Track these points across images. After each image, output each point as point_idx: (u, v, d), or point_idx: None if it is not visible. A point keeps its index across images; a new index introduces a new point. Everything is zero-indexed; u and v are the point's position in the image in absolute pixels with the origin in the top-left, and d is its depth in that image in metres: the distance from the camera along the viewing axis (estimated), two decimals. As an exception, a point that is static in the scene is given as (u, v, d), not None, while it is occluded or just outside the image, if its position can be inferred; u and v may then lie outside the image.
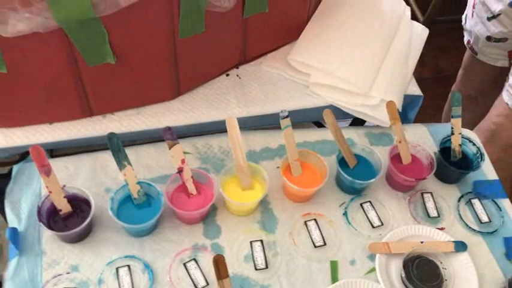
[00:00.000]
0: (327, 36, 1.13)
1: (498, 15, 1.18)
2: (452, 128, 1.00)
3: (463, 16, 1.37)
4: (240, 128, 0.91)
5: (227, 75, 1.13)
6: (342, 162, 0.97)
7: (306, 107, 1.10)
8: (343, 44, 1.12)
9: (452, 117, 1.00)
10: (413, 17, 2.13)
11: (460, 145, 1.01)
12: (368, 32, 1.14)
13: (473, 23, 1.29)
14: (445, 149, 1.02)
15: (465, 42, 1.38)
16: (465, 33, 1.37)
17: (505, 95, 1.21)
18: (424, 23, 2.15)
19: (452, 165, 0.99)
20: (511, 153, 1.28)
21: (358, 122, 1.18)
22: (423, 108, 1.69)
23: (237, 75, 1.13)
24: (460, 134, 1.00)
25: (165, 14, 0.89)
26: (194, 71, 1.06)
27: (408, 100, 1.16)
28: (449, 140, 1.01)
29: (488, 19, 1.22)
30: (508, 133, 1.23)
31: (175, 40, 0.95)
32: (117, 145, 0.87)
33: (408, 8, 1.25)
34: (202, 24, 0.95)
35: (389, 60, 1.12)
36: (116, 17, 0.82)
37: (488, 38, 1.25)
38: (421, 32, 1.25)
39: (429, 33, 1.79)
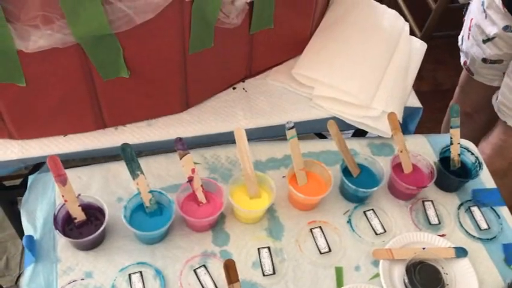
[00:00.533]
0: (330, 50, 1.18)
1: (493, 38, 1.22)
2: (451, 138, 1.04)
3: (460, 37, 1.41)
4: (247, 139, 0.95)
5: (234, 88, 1.18)
6: (346, 171, 1.01)
7: (310, 118, 1.14)
8: (345, 58, 1.16)
9: (451, 127, 1.04)
10: (411, 33, 2.19)
11: (459, 155, 1.05)
12: (369, 47, 1.19)
13: (469, 44, 1.33)
14: (444, 159, 1.06)
15: (462, 63, 1.41)
16: (461, 54, 1.40)
17: (499, 114, 1.26)
18: (422, 39, 2.20)
19: (451, 174, 1.02)
20: None
21: (359, 134, 1.22)
22: (421, 122, 1.74)
23: (244, 89, 1.18)
24: (458, 144, 1.04)
25: (177, 30, 0.93)
26: (202, 85, 1.10)
27: (408, 112, 1.20)
28: (449, 149, 1.05)
29: (484, 42, 1.26)
30: None
31: (185, 55, 0.99)
32: (130, 155, 0.90)
33: (407, 24, 1.30)
34: (211, 40, 1.00)
35: (389, 74, 1.17)
36: (131, 33, 0.87)
37: (484, 60, 1.29)
38: (419, 46, 1.30)
39: (427, 47, 1.84)
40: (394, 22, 1.27)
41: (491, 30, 1.21)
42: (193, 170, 0.93)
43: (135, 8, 0.84)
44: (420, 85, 2.29)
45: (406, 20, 2.37)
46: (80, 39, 0.85)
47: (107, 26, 0.84)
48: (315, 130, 1.20)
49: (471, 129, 1.57)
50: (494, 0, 1.18)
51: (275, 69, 1.21)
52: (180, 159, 0.92)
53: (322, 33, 1.22)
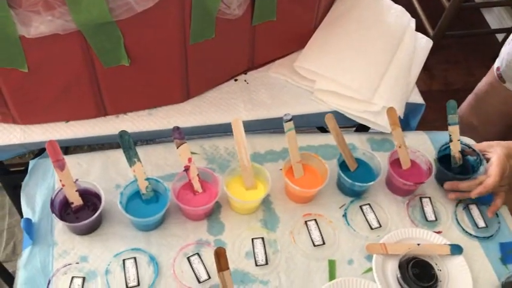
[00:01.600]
0: (333, 45, 1.17)
1: None
2: (450, 135, 1.03)
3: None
4: (246, 130, 0.95)
5: (235, 80, 1.18)
6: (343, 165, 1.01)
7: (311, 112, 1.14)
8: (348, 53, 1.16)
9: (449, 125, 1.02)
10: (424, 31, 2.17)
11: (460, 152, 1.03)
12: (372, 42, 1.18)
13: (508, 50, 1.25)
14: (444, 157, 1.04)
15: (494, 69, 1.32)
16: (498, 59, 1.31)
17: None
18: (434, 37, 2.18)
19: (451, 172, 1.01)
20: None
21: (362, 129, 1.21)
22: (430, 121, 1.71)
23: (245, 81, 1.18)
24: (458, 140, 1.03)
25: (177, 20, 0.94)
26: (203, 76, 1.10)
27: (411, 108, 1.19)
28: (448, 147, 1.04)
29: None
30: None
31: (186, 45, 1.00)
32: (128, 143, 0.91)
33: (413, 20, 1.29)
34: (212, 31, 1.00)
35: (392, 69, 1.16)
36: (131, 21, 0.88)
37: None
38: (425, 43, 1.28)
39: (439, 46, 1.76)
40: (400, 18, 1.26)
41: None
42: (189, 159, 0.93)
43: (136, -4, 0.85)
44: (431, 84, 2.27)
45: (419, 18, 2.36)
46: (81, 26, 0.86)
47: (108, 13, 0.85)
48: (315, 124, 1.20)
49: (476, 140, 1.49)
50: None
51: (277, 62, 1.21)
52: (177, 148, 0.93)
53: (326, 27, 1.22)
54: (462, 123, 1.47)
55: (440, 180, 1.05)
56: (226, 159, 1.07)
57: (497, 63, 1.31)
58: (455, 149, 1.03)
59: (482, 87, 1.39)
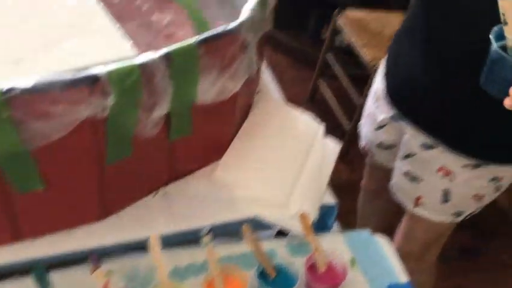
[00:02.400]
0: (248, 154, 1.25)
1: (384, 125, 1.37)
2: (502, 14, 0.70)
3: (360, 123, 1.55)
4: (168, 244, 0.96)
5: (155, 193, 1.20)
6: (263, 274, 1.03)
7: (232, 220, 1.17)
8: (262, 162, 1.23)
9: None
10: (340, 126, 2.36)
11: None
12: (284, 151, 1.27)
13: (365, 131, 1.48)
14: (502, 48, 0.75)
15: (360, 147, 1.53)
16: (360, 139, 1.54)
17: (395, 198, 1.36)
18: (351, 130, 2.38)
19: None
20: (430, 249, 1.41)
21: (282, 233, 1.25)
22: (355, 213, 1.80)
23: (165, 193, 1.20)
24: None
25: (92, 144, 0.97)
26: (122, 193, 1.12)
27: (325, 210, 1.25)
28: (501, 33, 0.72)
29: (376, 129, 1.40)
30: (421, 234, 1.36)
31: (102, 165, 1.02)
32: (40, 274, 0.89)
33: (321, 127, 1.40)
34: (129, 150, 1.04)
35: (304, 174, 1.24)
36: (45, 148, 0.89)
37: (379, 145, 1.43)
38: (333, 147, 1.39)
39: (356, 137, 1.91)
40: (309, 125, 1.37)
41: (382, 118, 1.35)
42: (105, 284, 0.92)
43: (48, 127, 0.88)
44: (351, 177, 2.41)
45: (336, 115, 2.56)
46: (-8, 157, 0.87)
47: (19, 144, 0.87)
48: (237, 230, 1.23)
49: (379, 208, 1.66)
50: (383, 91, 1.33)
51: (197, 173, 1.26)
52: (91, 274, 0.91)
53: (241, 137, 1.30)
54: (367, 191, 1.64)
55: (493, 82, 0.75)
56: (148, 276, 1.06)
57: (362, 142, 1.53)
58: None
59: (367, 158, 1.60)
